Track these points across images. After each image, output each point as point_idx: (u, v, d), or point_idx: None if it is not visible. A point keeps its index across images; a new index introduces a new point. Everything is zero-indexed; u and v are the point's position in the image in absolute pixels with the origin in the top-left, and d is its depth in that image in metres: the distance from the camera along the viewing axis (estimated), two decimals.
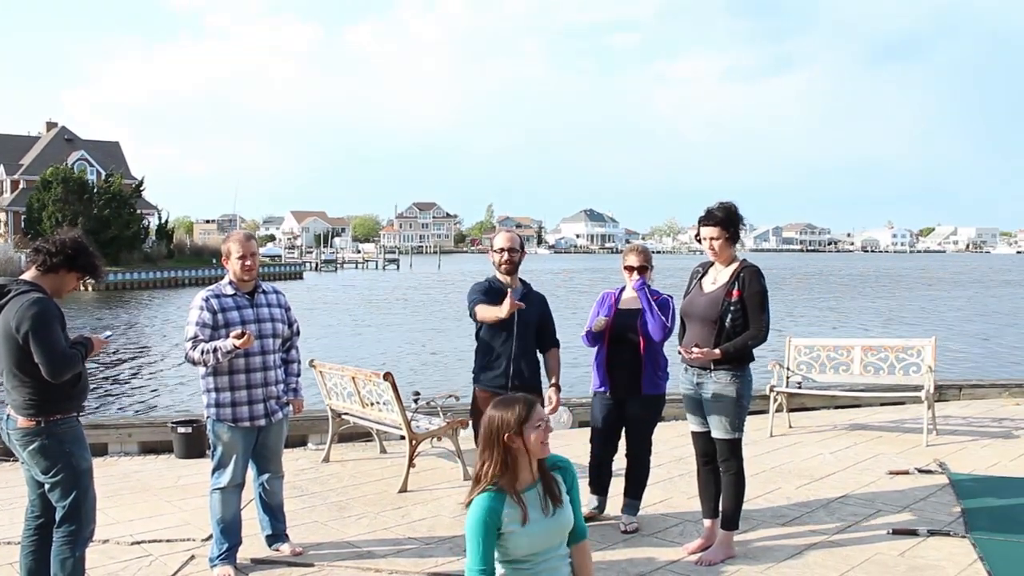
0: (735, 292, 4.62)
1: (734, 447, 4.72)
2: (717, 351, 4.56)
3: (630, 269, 5.30)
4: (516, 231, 5.46)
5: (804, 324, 27.40)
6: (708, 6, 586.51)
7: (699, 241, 4.78)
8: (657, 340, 5.17)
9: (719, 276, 4.76)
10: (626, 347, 5.21)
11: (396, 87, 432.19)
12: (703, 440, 4.85)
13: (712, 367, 4.65)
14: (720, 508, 4.80)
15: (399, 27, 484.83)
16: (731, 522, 4.76)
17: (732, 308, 4.60)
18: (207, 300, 4.59)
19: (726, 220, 4.68)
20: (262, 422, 4.68)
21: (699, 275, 4.89)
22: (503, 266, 5.24)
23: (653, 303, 5.16)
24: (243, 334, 4.45)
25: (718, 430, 4.71)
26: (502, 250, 5.26)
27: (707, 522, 4.91)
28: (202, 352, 4.47)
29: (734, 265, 4.74)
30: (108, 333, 4.40)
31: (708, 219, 4.71)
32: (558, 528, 3.10)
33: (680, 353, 4.79)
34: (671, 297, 5.30)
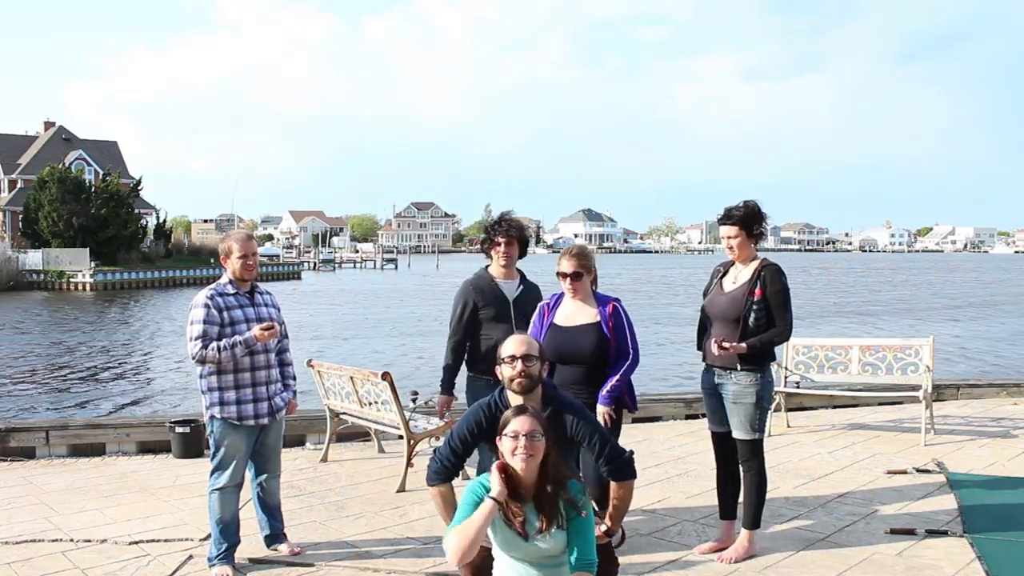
0: (757, 291, 4.62)
1: (755, 447, 4.71)
2: (744, 345, 4.55)
3: (563, 276, 4.58)
4: (528, 334, 3.74)
5: (806, 324, 27.41)
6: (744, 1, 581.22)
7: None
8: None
9: (740, 276, 4.74)
10: (572, 365, 4.56)
11: (410, 83, 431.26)
12: (722, 440, 4.83)
13: (737, 366, 4.62)
14: (741, 508, 4.79)
15: (422, 19, 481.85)
16: (754, 521, 4.76)
17: (756, 307, 4.59)
18: (212, 299, 4.58)
19: (743, 219, 4.66)
20: (265, 420, 4.69)
21: (720, 274, 4.88)
22: (516, 382, 3.61)
23: (622, 383, 4.53)
24: (270, 326, 4.53)
25: (739, 431, 4.69)
26: (513, 358, 3.62)
27: (724, 523, 4.89)
28: (218, 348, 4.46)
29: (755, 264, 4.72)
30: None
31: (726, 218, 4.70)
32: (535, 550, 3.11)
33: (706, 352, 4.74)
34: (619, 301, 4.67)
